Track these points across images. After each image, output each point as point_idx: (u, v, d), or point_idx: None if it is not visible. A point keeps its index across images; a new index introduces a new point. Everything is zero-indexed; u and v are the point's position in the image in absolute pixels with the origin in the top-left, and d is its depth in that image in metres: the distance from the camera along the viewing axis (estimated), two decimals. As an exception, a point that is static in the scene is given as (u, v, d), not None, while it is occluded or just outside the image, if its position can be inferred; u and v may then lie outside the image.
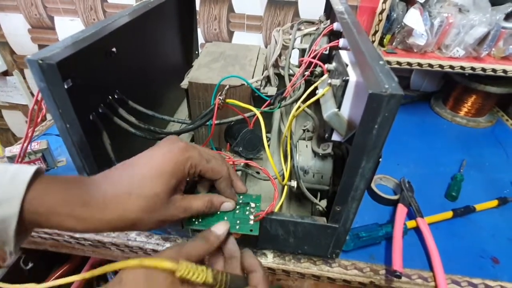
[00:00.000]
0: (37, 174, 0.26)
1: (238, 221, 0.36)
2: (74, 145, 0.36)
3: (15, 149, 0.56)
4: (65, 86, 0.31)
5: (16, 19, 1.06)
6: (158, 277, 0.26)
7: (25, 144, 0.46)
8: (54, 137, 0.66)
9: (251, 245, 0.46)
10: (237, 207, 0.37)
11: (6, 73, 1.20)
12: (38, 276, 0.63)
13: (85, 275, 0.29)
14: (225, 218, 0.36)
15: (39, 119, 0.43)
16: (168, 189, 0.29)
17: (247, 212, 0.37)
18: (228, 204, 0.36)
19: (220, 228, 0.33)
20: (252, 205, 0.37)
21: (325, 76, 0.38)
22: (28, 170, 0.25)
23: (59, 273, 0.62)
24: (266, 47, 0.82)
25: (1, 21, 1.07)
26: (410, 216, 0.52)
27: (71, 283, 0.61)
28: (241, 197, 0.38)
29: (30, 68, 0.29)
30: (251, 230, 0.35)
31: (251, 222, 0.36)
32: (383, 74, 0.28)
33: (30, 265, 0.60)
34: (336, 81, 0.34)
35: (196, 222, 0.35)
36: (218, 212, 0.36)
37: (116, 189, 0.27)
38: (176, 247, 0.30)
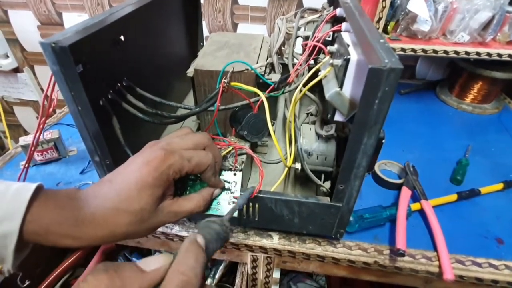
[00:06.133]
0: (37, 191, 0.27)
1: (218, 202, 0.38)
2: (86, 127, 0.37)
3: (28, 138, 0.58)
4: (77, 71, 0.33)
5: (25, 16, 1.08)
6: None
7: (38, 133, 0.48)
8: (65, 127, 0.68)
9: (254, 224, 0.47)
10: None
11: (17, 70, 1.22)
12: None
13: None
14: None
15: (51, 109, 0.45)
16: (153, 200, 0.30)
17: (227, 193, 0.38)
18: (216, 191, 0.38)
19: None
20: (233, 184, 0.38)
21: (327, 57, 0.39)
22: (29, 188, 0.27)
23: (72, 258, 0.64)
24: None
25: (11, 18, 1.10)
26: (415, 199, 0.52)
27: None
28: (223, 174, 0.39)
29: (44, 52, 0.30)
30: None
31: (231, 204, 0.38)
32: (383, 50, 0.29)
33: (27, 282, 0.59)
34: (338, 61, 0.34)
35: None
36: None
37: (104, 206, 0.29)
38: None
